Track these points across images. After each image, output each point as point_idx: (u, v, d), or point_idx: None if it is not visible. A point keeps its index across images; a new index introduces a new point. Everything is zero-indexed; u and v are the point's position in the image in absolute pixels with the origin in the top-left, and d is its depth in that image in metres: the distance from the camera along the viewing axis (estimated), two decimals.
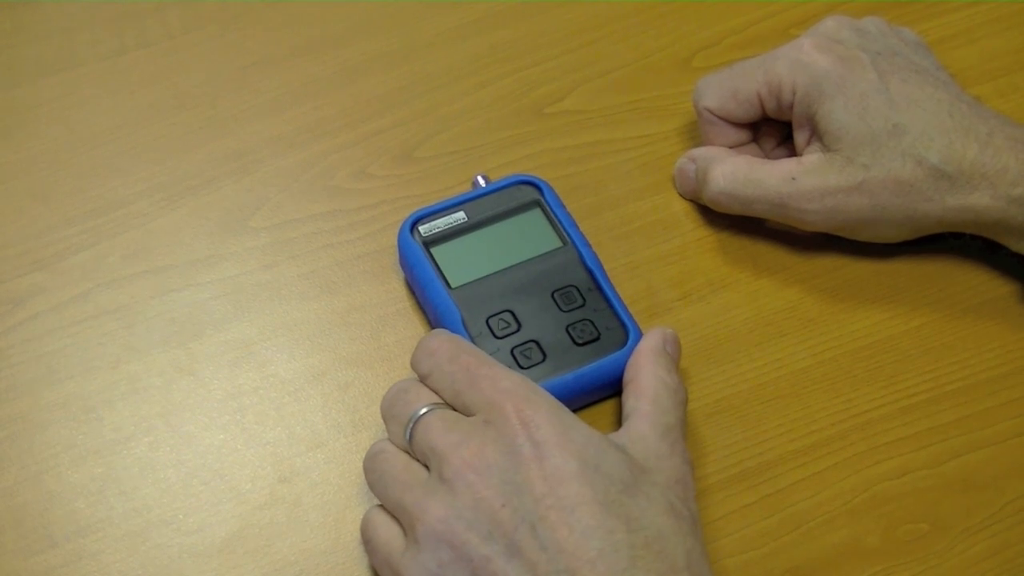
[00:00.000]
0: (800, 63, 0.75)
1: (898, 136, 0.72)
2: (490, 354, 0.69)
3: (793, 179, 0.74)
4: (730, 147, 0.79)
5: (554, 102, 0.84)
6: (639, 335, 0.71)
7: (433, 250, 0.74)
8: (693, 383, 0.73)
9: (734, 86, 0.77)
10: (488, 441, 0.61)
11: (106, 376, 0.74)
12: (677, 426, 0.66)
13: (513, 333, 0.71)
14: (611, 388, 0.71)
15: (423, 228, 0.74)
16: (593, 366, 0.70)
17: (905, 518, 0.69)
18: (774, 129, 0.79)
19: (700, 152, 0.79)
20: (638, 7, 0.88)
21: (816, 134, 0.75)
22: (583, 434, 0.62)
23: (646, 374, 0.67)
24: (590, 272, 0.73)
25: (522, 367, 0.70)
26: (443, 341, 0.66)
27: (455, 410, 0.64)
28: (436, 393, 0.65)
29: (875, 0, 0.88)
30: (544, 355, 0.71)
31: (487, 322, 0.71)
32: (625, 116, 0.83)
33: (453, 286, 0.72)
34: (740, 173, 0.76)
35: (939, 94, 0.74)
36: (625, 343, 0.71)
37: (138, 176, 0.81)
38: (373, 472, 0.65)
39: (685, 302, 0.76)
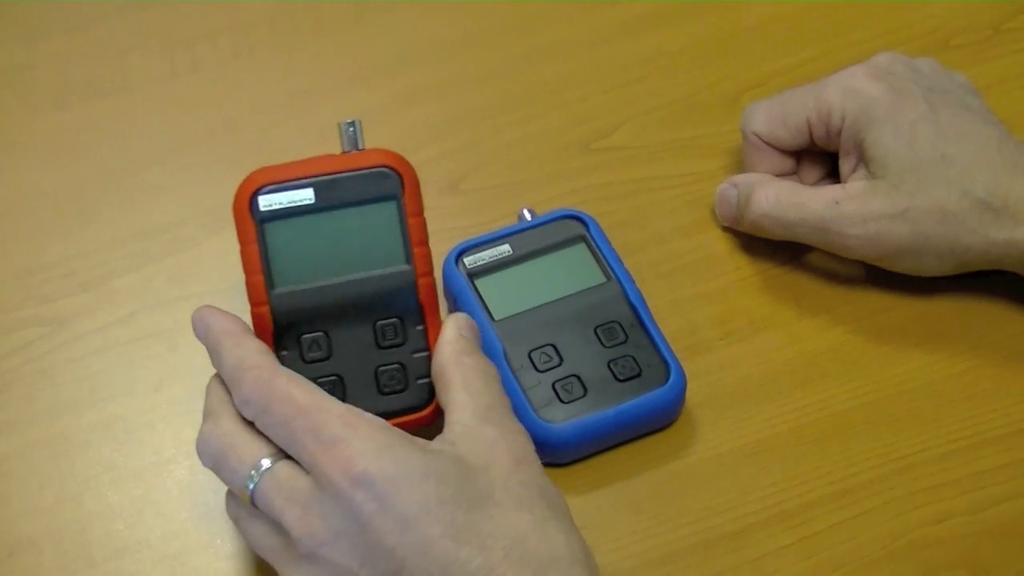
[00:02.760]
0: (851, 89, 0.75)
1: (945, 166, 0.72)
2: (531, 388, 0.70)
3: (837, 203, 0.74)
4: (773, 175, 0.79)
5: (601, 137, 0.84)
6: (681, 373, 0.71)
7: (477, 282, 0.74)
8: (734, 422, 0.73)
9: (784, 111, 0.78)
10: (327, 511, 0.59)
11: (148, 398, 0.74)
12: (497, 404, 0.63)
13: (555, 367, 0.71)
14: (652, 424, 0.72)
15: (468, 260, 0.74)
16: (634, 402, 0.70)
17: (943, 564, 0.69)
18: (818, 161, 0.80)
19: (742, 177, 0.79)
20: (686, 45, 0.88)
21: (863, 161, 0.75)
22: (416, 464, 0.59)
23: (450, 364, 0.64)
24: (633, 308, 0.73)
25: (563, 401, 0.70)
26: (252, 388, 0.61)
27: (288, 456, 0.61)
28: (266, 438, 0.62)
29: (927, 41, 0.88)
30: (585, 390, 0.70)
31: (529, 355, 0.71)
32: (671, 153, 0.84)
33: (496, 318, 0.72)
34: (783, 196, 0.76)
35: (988, 130, 0.74)
36: (667, 380, 0.71)
37: (185, 200, 0.82)
38: (239, 530, 0.63)
39: (727, 341, 0.76)
